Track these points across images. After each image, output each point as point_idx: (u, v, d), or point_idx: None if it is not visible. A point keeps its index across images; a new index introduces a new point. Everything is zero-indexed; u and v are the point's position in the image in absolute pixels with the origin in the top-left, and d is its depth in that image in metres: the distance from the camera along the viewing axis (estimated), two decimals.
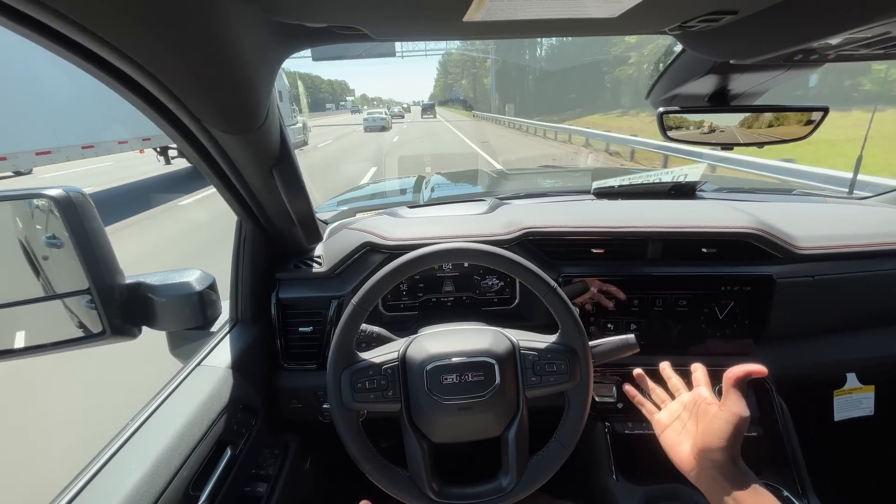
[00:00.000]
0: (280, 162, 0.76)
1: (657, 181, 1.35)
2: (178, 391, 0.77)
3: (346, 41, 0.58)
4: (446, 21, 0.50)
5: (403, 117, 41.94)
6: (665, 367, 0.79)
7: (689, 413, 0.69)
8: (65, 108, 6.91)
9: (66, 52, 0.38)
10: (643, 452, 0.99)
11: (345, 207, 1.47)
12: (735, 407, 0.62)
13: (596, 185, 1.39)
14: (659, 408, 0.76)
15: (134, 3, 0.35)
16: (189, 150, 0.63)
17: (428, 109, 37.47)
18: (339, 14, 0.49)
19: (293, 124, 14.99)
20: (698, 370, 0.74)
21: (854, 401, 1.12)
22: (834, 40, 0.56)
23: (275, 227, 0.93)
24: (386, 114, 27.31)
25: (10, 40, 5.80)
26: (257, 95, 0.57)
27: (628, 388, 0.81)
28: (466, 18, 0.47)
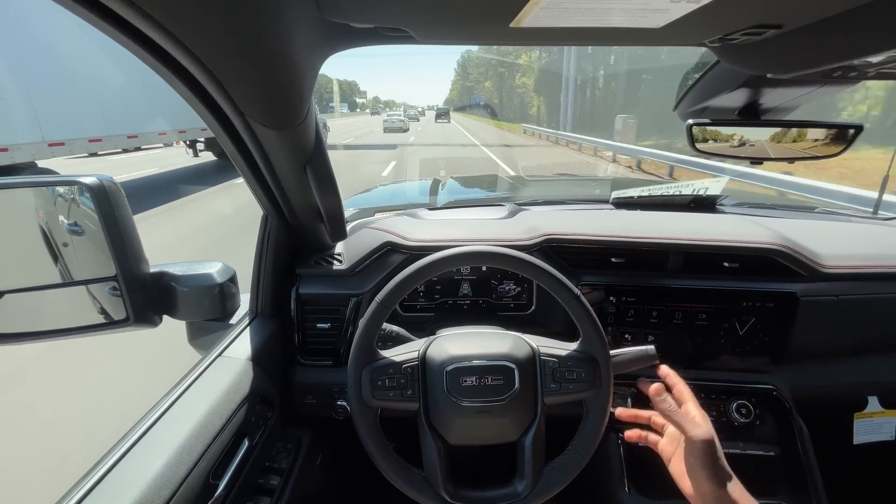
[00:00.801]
0: (314, 159, 0.77)
1: (677, 193, 1.34)
2: (201, 380, 0.78)
3: (390, 42, 0.59)
4: (493, 26, 0.51)
5: (419, 120, 43.92)
6: (669, 374, 0.74)
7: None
8: (114, 99, 7.26)
9: (125, 37, 0.39)
10: (656, 465, 0.97)
11: (364, 206, 1.48)
12: (694, 432, 0.61)
13: (615, 194, 1.38)
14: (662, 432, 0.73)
15: None
16: (228, 143, 0.64)
17: (442, 114, 38.10)
18: (390, 16, 0.49)
19: None
20: (677, 383, 0.71)
21: (875, 425, 1.09)
22: (875, 58, 0.55)
23: (299, 222, 0.94)
24: (404, 116, 30.09)
25: (71, 34, 6.05)
26: (301, 92, 0.58)
27: (630, 433, 0.77)
28: (513, 24, 0.48)
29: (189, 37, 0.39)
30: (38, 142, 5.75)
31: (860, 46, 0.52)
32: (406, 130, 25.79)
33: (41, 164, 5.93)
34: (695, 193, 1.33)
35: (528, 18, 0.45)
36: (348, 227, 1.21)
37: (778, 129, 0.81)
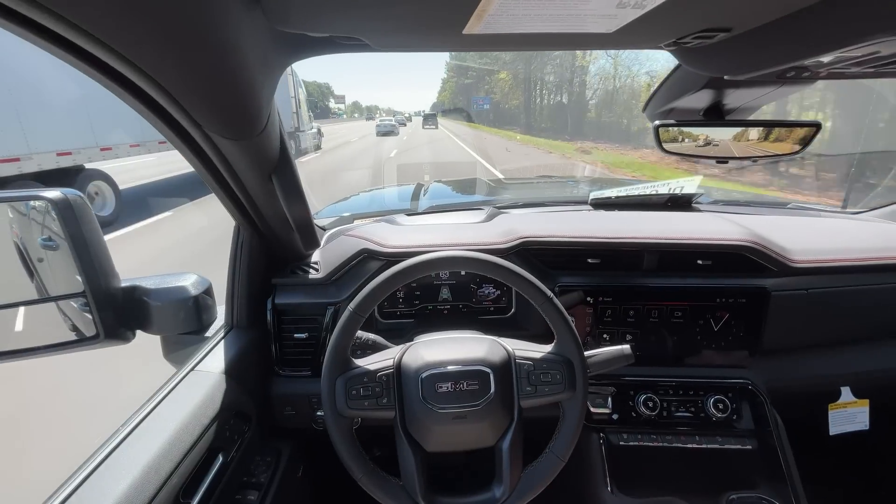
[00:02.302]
0: (279, 168, 0.77)
1: (654, 192, 1.36)
2: (171, 396, 0.76)
3: (347, 51, 0.59)
4: (446, 33, 0.51)
5: (405, 125, 44.01)
6: None
7: None
8: (124, 109, 7.19)
9: (70, 56, 0.38)
10: (638, 464, 0.99)
11: (343, 214, 1.47)
12: None
13: (593, 195, 1.40)
14: None
15: (137, 8, 0.36)
16: (189, 155, 0.63)
17: (429, 119, 37.97)
18: (342, 24, 0.49)
19: (309, 129, 15.94)
20: None
21: (849, 415, 1.12)
22: (825, 58, 0.57)
23: (273, 232, 0.93)
24: (395, 121, 33.86)
25: None
26: (258, 102, 0.57)
27: None
28: (466, 31, 0.48)
29: (134, 53, 0.39)
30: (92, 146, 6.27)
31: (808, 47, 0.53)
32: (397, 134, 27.49)
33: (91, 166, 6.41)
34: (671, 192, 1.35)
35: (479, 25, 0.46)
36: (326, 234, 1.21)
37: (741, 129, 0.83)
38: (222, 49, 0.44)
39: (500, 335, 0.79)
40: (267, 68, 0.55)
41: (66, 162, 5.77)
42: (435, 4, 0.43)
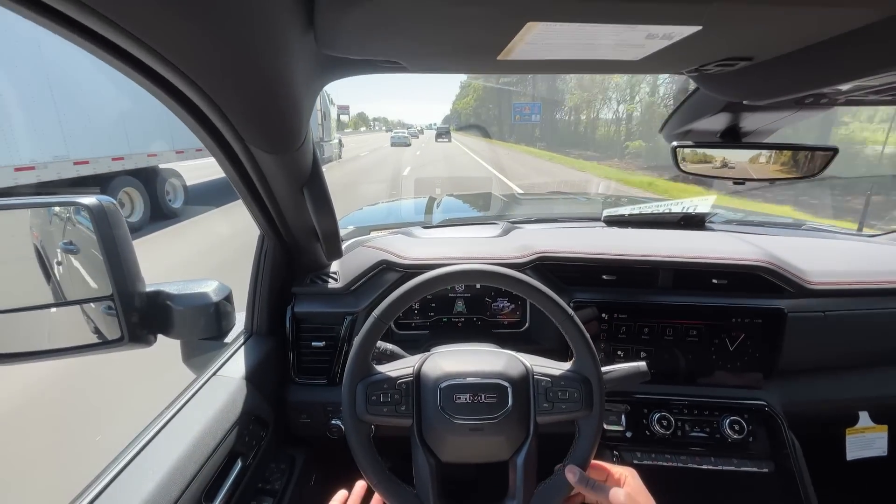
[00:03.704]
0: (311, 181, 0.79)
1: (667, 211, 1.37)
2: (195, 399, 0.78)
3: (383, 72, 0.62)
4: (481, 58, 0.54)
5: (417, 137, 44.90)
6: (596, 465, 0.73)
7: None
8: (168, 116, 8.00)
9: (134, 72, 0.41)
10: (651, 484, 0.97)
11: (360, 225, 1.50)
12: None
13: (607, 212, 1.41)
14: None
15: (199, 28, 0.38)
16: (227, 167, 0.66)
17: (443, 134, 38.20)
18: (383, 50, 0.52)
19: (332, 140, 18.05)
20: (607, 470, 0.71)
21: (867, 440, 1.10)
22: (844, 87, 0.59)
23: (296, 242, 0.95)
24: (408, 133, 37.51)
25: None
26: (300, 119, 0.60)
27: None
28: (500, 57, 0.50)
29: (194, 71, 0.42)
30: (168, 150, 7.60)
31: (827, 77, 0.55)
32: (409, 145, 30.66)
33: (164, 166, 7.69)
34: (684, 211, 1.36)
35: (514, 52, 0.48)
36: (344, 245, 1.23)
37: (758, 151, 0.84)
38: (275, 72, 0.46)
39: (514, 349, 0.80)
40: (309, 88, 0.58)
41: (153, 162, 7.22)
42: (475, 33, 0.45)
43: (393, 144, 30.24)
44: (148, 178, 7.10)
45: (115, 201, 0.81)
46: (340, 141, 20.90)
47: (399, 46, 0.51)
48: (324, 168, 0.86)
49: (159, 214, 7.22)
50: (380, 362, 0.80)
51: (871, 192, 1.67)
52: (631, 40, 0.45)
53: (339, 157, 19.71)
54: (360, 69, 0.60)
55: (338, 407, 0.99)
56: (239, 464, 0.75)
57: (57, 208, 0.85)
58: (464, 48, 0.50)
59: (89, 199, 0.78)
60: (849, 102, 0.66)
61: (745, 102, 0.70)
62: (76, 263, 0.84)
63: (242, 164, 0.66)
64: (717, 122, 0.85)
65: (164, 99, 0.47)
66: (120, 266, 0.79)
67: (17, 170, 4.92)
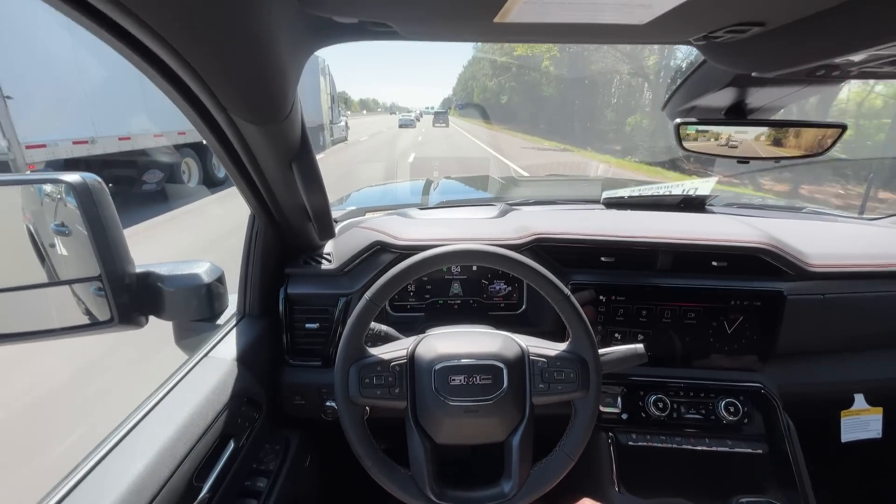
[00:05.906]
0: (300, 156, 0.77)
1: (667, 193, 1.35)
2: (185, 381, 0.77)
3: (375, 38, 0.59)
4: (477, 22, 0.51)
5: (419, 120, 45.33)
6: None
7: None
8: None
9: (107, 34, 0.38)
10: (646, 464, 0.98)
11: (355, 206, 1.47)
12: None
13: (606, 194, 1.39)
14: None
15: None
16: (211, 139, 0.63)
17: (440, 117, 37.64)
18: (373, 10, 0.49)
19: (339, 122, 18.77)
20: None
21: (862, 422, 1.10)
22: (857, 57, 0.56)
23: (287, 221, 0.93)
24: (413, 116, 41.29)
25: None
26: (284, 87, 0.57)
27: None
28: (497, 20, 0.48)
29: (169, 33, 0.39)
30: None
31: (841, 45, 0.52)
32: (415, 127, 34.49)
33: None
34: (684, 193, 1.34)
35: (512, 13, 0.45)
36: (339, 226, 1.21)
37: (764, 129, 0.82)
38: (254, 31, 0.43)
39: (511, 331, 0.79)
40: (294, 53, 0.55)
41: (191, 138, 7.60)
42: None
43: (401, 126, 34.05)
44: (201, 151, 7.92)
45: (100, 180, 0.78)
46: (346, 123, 21.22)
47: (389, 6, 0.48)
48: (330, 149, 0.83)
49: (209, 182, 8.20)
50: (374, 344, 0.78)
51: (872, 175, 1.64)
52: None
53: (346, 139, 20.02)
54: (349, 34, 0.57)
55: (332, 389, 0.99)
56: (231, 445, 0.74)
57: (48, 188, 0.82)
58: (459, 7, 0.47)
59: (73, 177, 0.75)
60: (862, 75, 0.64)
61: (753, 75, 0.67)
62: (68, 244, 0.81)
63: (227, 138, 0.64)
64: (723, 98, 0.82)
65: (140, 64, 0.44)
66: (107, 246, 0.77)
67: (121, 139, 6.40)
